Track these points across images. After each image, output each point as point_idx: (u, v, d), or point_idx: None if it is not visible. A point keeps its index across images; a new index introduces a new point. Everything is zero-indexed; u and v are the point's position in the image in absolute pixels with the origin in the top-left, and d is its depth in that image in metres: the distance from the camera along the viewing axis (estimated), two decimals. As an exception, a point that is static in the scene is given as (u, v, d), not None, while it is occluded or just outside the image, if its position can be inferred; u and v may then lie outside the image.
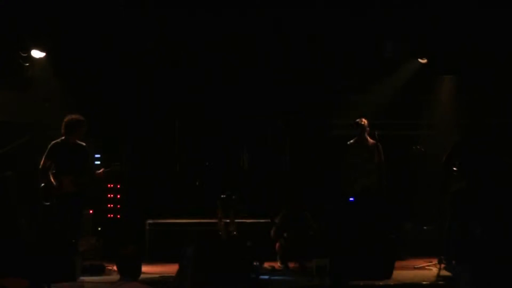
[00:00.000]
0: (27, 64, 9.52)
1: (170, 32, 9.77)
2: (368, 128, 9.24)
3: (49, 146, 8.54)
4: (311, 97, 11.40)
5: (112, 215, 10.60)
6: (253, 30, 9.70)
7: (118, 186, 10.60)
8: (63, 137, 8.47)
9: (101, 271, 8.22)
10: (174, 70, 10.96)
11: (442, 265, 8.47)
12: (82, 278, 7.91)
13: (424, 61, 10.17)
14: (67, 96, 10.15)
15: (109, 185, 10.50)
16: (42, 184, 8.54)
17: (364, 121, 9.27)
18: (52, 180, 8.36)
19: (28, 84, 9.96)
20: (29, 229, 9.27)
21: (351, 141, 9.42)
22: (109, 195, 10.61)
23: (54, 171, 8.45)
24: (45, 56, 9.46)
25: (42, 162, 8.50)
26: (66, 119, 8.53)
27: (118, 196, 10.64)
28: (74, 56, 9.79)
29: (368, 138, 9.31)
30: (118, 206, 10.63)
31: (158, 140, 11.17)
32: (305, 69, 11.35)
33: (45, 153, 8.47)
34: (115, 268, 5.15)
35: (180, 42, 10.10)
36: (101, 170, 8.61)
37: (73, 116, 8.53)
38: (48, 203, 8.51)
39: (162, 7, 9.40)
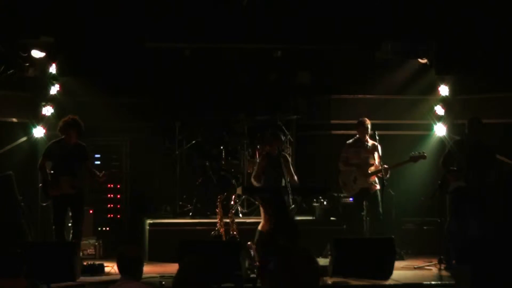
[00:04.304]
0: (27, 64, 9.52)
1: (169, 33, 9.77)
2: (369, 129, 9.25)
3: (47, 146, 8.61)
4: (312, 97, 11.44)
5: (112, 215, 10.60)
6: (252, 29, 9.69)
7: (118, 186, 10.60)
8: (62, 137, 8.52)
9: (101, 271, 8.21)
10: (174, 69, 10.98)
11: (442, 265, 8.48)
12: (82, 278, 7.91)
13: (424, 61, 10.16)
14: (67, 97, 10.18)
15: (109, 185, 10.50)
16: (40, 184, 8.58)
17: (367, 121, 9.28)
18: (49, 179, 8.39)
19: (28, 84, 9.96)
20: (29, 229, 9.28)
21: (350, 140, 9.43)
22: (109, 195, 10.62)
23: (52, 172, 8.48)
24: (45, 56, 9.45)
25: (40, 162, 8.55)
26: (62, 119, 8.58)
27: (118, 196, 10.65)
28: (74, 57, 9.80)
29: (368, 138, 9.32)
30: (118, 206, 10.64)
31: (158, 140, 11.18)
32: (304, 69, 11.40)
33: (43, 153, 8.54)
34: (115, 268, 5.14)
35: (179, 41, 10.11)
36: (102, 174, 8.63)
37: (69, 117, 8.57)
38: (45, 204, 8.54)
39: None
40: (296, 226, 7.22)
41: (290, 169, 8.81)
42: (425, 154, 9.16)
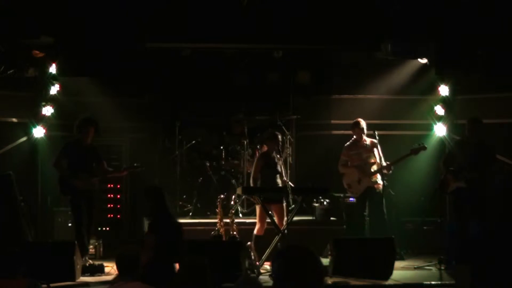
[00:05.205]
0: (27, 64, 9.53)
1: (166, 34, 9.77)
2: (365, 129, 9.23)
3: (63, 145, 8.70)
4: (312, 97, 11.43)
5: (112, 215, 10.59)
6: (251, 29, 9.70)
7: (118, 186, 10.59)
8: (77, 138, 8.59)
9: (101, 271, 8.21)
10: (174, 69, 10.98)
11: (442, 265, 8.48)
12: (82, 278, 7.91)
13: (424, 61, 10.16)
14: (67, 97, 10.18)
15: (109, 185, 10.49)
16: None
17: (362, 122, 9.26)
18: (67, 174, 8.46)
19: (28, 84, 9.96)
20: (29, 229, 9.28)
21: (348, 143, 9.41)
22: (109, 195, 10.61)
23: (67, 171, 8.56)
24: (45, 56, 9.46)
25: (55, 160, 8.62)
26: (79, 118, 8.67)
27: (118, 196, 10.64)
28: (74, 57, 9.80)
29: (366, 138, 9.30)
30: (118, 206, 10.63)
31: (158, 140, 11.17)
32: (304, 69, 11.39)
33: (59, 152, 8.68)
34: (115, 268, 5.14)
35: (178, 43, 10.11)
36: (123, 169, 8.93)
37: (82, 116, 8.68)
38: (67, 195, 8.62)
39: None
40: (178, 227, 7.02)
41: (282, 171, 8.81)
42: (425, 145, 9.12)
